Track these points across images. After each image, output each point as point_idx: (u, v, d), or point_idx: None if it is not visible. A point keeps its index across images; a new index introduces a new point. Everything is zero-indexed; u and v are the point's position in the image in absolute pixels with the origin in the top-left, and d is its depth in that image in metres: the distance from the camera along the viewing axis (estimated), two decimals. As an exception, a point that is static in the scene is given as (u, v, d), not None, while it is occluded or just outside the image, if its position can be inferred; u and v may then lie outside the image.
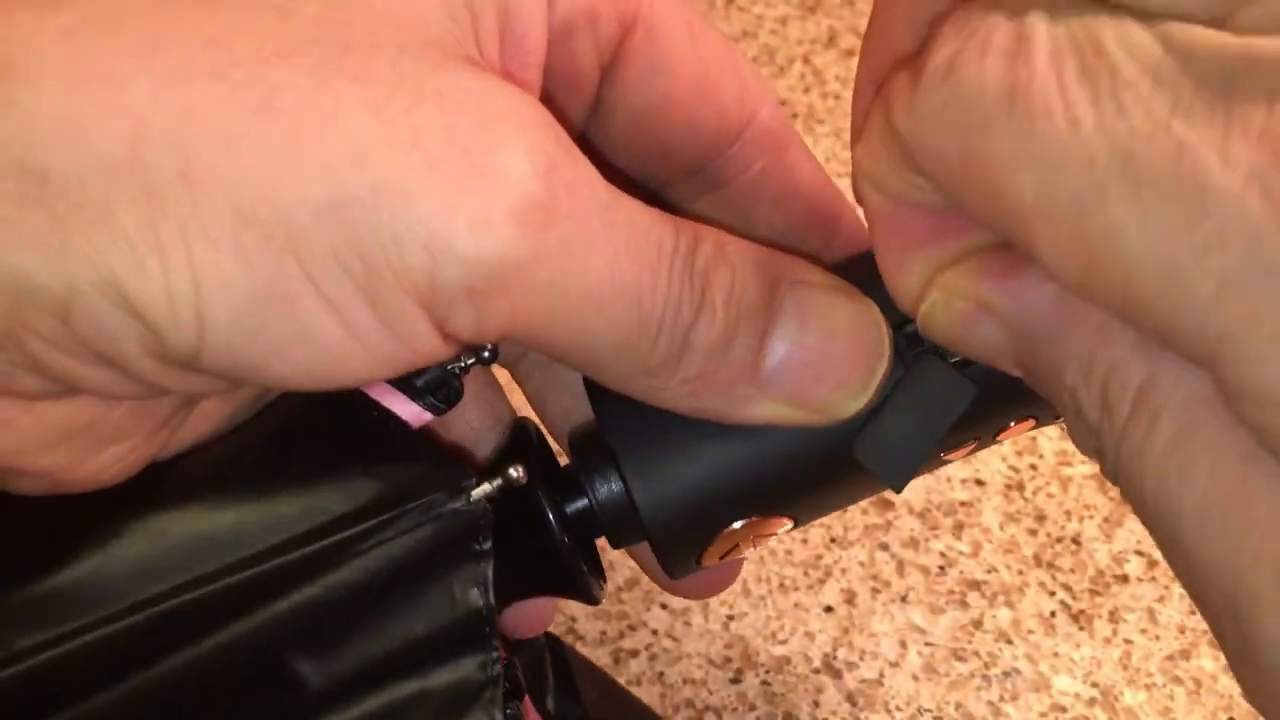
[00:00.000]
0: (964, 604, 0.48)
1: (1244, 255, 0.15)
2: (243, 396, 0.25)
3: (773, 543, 0.49)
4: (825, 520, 0.50)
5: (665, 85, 0.26)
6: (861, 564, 0.49)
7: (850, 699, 0.46)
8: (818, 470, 0.25)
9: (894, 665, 0.47)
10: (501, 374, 0.30)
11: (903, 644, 0.47)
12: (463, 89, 0.20)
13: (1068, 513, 0.51)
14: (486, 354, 0.25)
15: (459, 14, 0.22)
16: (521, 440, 0.28)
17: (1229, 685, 0.46)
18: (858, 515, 0.51)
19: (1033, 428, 0.26)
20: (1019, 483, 0.52)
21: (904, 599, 0.48)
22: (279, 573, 0.23)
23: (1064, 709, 0.46)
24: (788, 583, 0.49)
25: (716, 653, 0.47)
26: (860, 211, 0.23)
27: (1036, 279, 0.20)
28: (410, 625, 0.24)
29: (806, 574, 0.49)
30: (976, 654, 0.47)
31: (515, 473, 0.24)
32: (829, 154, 0.65)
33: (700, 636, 0.47)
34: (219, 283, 0.19)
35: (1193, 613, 0.48)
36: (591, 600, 0.28)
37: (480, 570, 0.24)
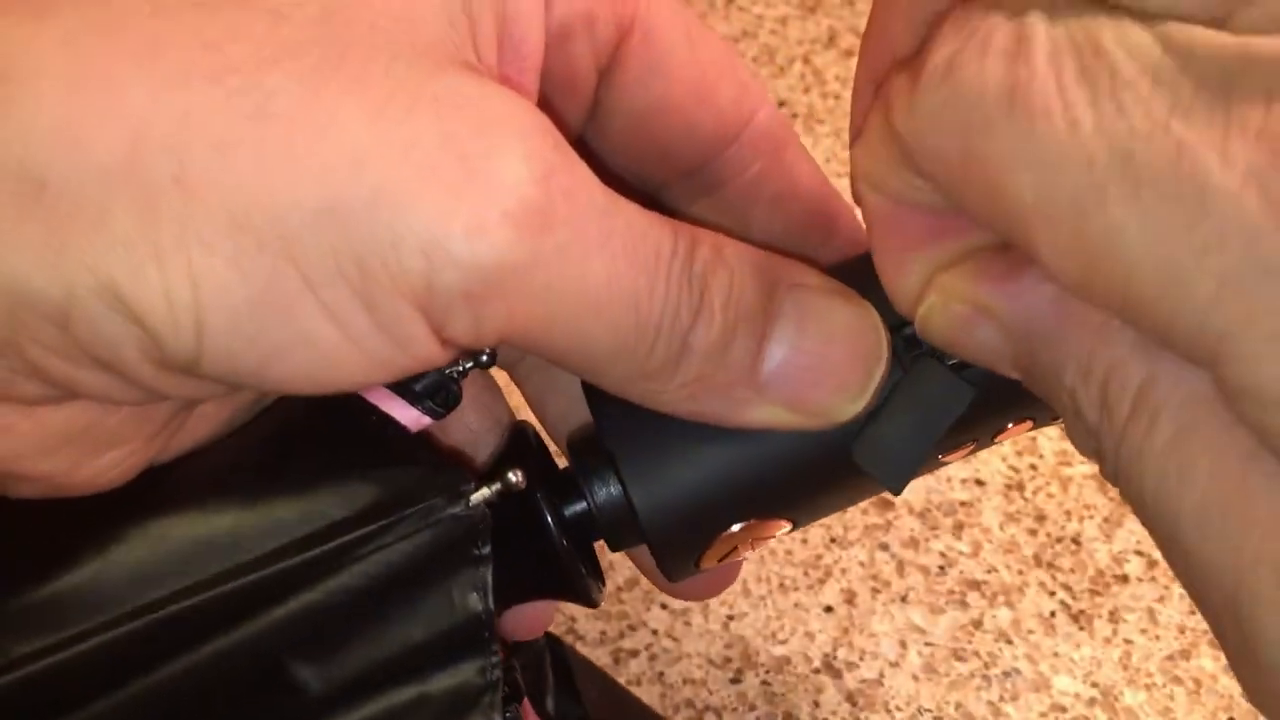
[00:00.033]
0: (964, 604, 0.48)
1: (1242, 255, 0.15)
2: (240, 400, 0.25)
3: (773, 543, 0.49)
4: (825, 520, 0.50)
5: (663, 88, 0.27)
6: (861, 564, 0.49)
7: (850, 699, 0.46)
8: (816, 473, 0.25)
9: (894, 665, 0.47)
10: (500, 375, 0.30)
11: (903, 644, 0.47)
12: (460, 94, 0.20)
13: (1068, 513, 0.51)
14: (485, 358, 0.25)
15: (456, 19, 0.22)
16: (520, 444, 0.28)
17: (1229, 685, 0.46)
18: (858, 515, 0.51)
19: (1030, 429, 0.26)
20: (1019, 483, 0.52)
21: (904, 599, 0.48)
22: (278, 578, 0.23)
23: (1064, 709, 0.46)
24: (788, 583, 0.49)
25: (716, 653, 0.47)
26: (858, 212, 0.23)
27: (1035, 280, 0.20)
28: (409, 630, 0.24)
29: (806, 574, 0.49)
30: (976, 654, 0.47)
31: (514, 478, 0.25)
32: (829, 154, 0.65)
33: (700, 636, 0.47)
34: (217, 288, 0.19)
35: (1193, 613, 0.48)
36: (590, 603, 0.28)
37: (479, 575, 0.24)
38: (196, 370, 0.20)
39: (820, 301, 0.24)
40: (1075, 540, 0.50)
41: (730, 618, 0.48)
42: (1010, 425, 0.26)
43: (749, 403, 0.24)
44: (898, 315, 0.23)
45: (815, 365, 0.24)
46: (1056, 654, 0.47)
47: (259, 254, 0.19)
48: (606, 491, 0.26)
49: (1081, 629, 0.48)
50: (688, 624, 0.47)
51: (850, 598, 0.48)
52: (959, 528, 0.50)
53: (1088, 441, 0.19)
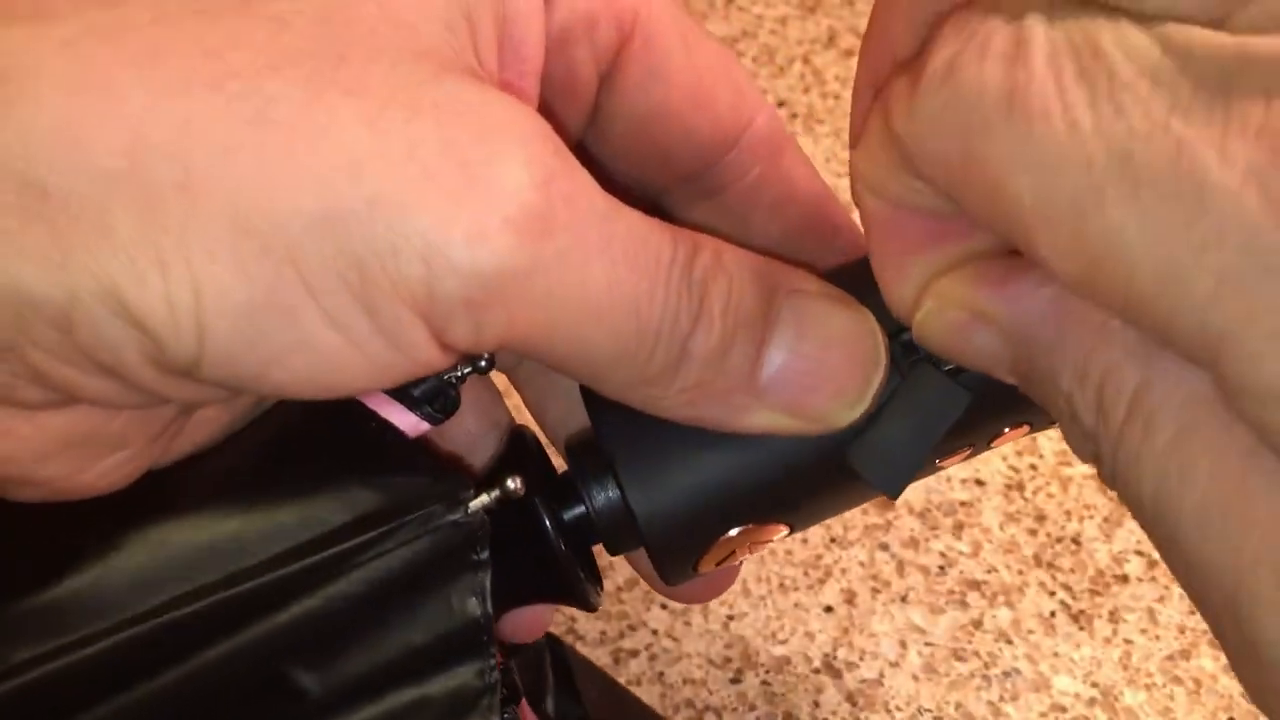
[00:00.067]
0: (964, 604, 0.48)
1: (1242, 252, 0.15)
2: (241, 404, 0.25)
3: (775, 540, 0.49)
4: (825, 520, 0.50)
5: (662, 93, 0.27)
6: (861, 564, 0.49)
7: (850, 699, 0.46)
8: (814, 478, 0.25)
9: (894, 665, 0.47)
10: (500, 379, 0.30)
11: (903, 644, 0.47)
12: (460, 100, 0.20)
13: (1068, 513, 0.51)
14: (483, 364, 0.25)
15: (456, 24, 0.22)
16: (519, 449, 0.28)
17: (1229, 685, 0.46)
18: (858, 515, 0.51)
19: (1027, 433, 0.26)
20: (1019, 483, 0.52)
21: (904, 599, 0.48)
22: (278, 585, 0.23)
23: (1064, 709, 0.46)
24: (788, 583, 0.49)
25: (716, 653, 0.47)
26: (856, 216, 0.23)
27: (1032, 285, 0.20)
28: (409, 635, 0.24)
29: (806, 574, 0.49)
30: (976, 654, 0.47)
31: (513, 484, 0.25)
32: (829, 154, 0.65)
33: (700, 636, 0.47)
34: (218, 292, 0.19)
35: (1193, 613, 0.48)
36: (589, 607, 0.28)
37: (478, 580, 0.24)
38: (197, 374, 0.20)
39: (819, 307, 0.24)
40: (1075, 540, 0.50)
41: (730, 618, 0.48)
42: (1007, 430, 0.26)
43: (748, 408, 0.24)
44: (895, 321, 0.23)
45: (814, 371, 0.24)
46: (1056, 654, 0.47)
47: (260, 259, 0.19)
48: (605, 496, 0.26)
49: (1081, 629, 0.48)
50: (688, 624, 0.47)
51: (850, 598, 0.48)
52: (959, 528, 0.50)
53: (1085, 445, 0.19)
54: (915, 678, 0.46)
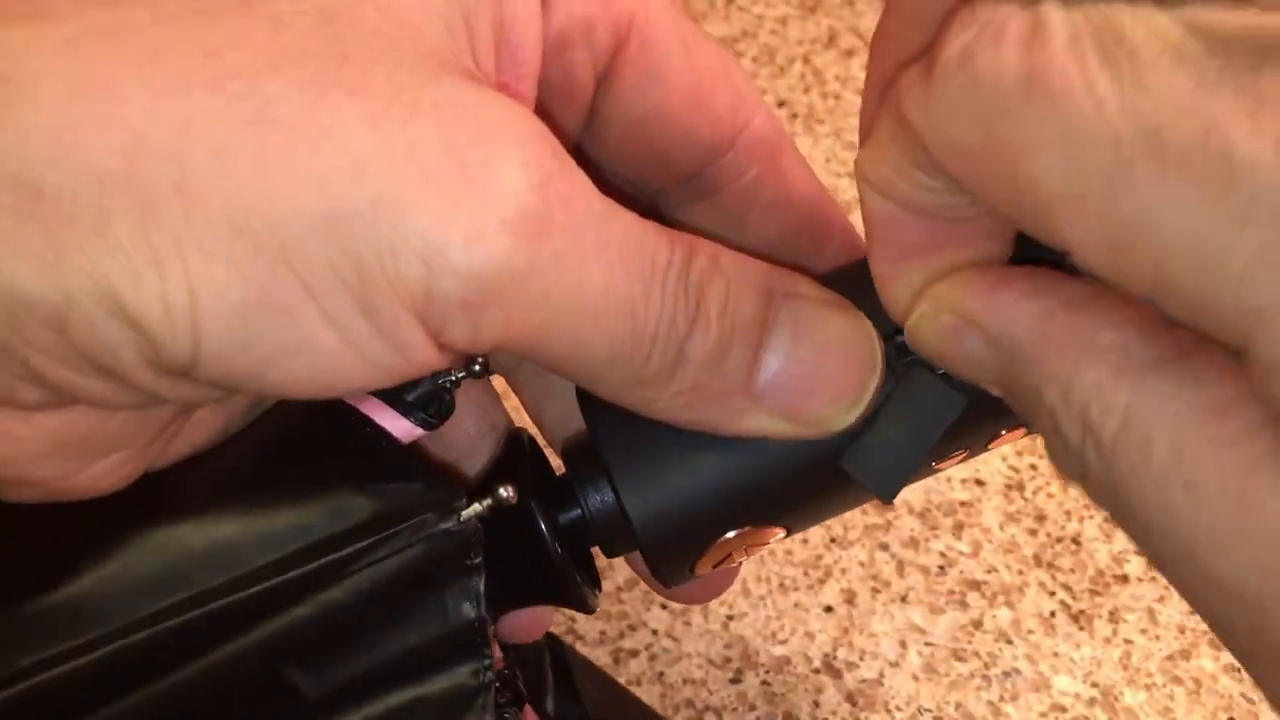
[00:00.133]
0: (964, 604, 0.48)
1: (1276, 227, 0.15)
2: (238, 405, 0.26)
3: (772, 543, 0.49)
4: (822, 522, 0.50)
5: (660, 95, 0.27)
6: (861, 564, 0.49)
7: (850, 699, 0.46)
8: (810, 481, 0.25)
9: (894, 665, 0.47)
10: (498, 381, 0.30)
11: (903, 644, 0.47)
12: (459, 102, 0.20)
13: (1068, 513, 0.51)
14: (477, 368, 0.25)
15: (455, 26, 0.22)
16: (515, 452, 0.28)
17: (1229, 685, 0.46)
18: (858, 515, 0.51)
19: (1024, 435, 0.26)
20: (1019, 483, 0.52)
21: (904, 599, 0.48)
22: (275, 592, 0.23)
23: (1064, 709, 0.46)
24: (788, 583, 0.49)
25: (716, 653, 0.47)
26: (853, 217, 0.23)
27: (1021, 295, 0.20)
28: (404, 638, 0.24)
29: (806, 574, 0.49)
30: (976, 654, 0.47)
31: (505, 492, 0.25)
32: (829, 154, 0.64)
33: (700, 636, 0.47)
34: (214, 292, 0.19)
35: (1192, 613, 0.48)
36: (586, 610, 0.28)
37: (472, 584, 0.24)
38: (194, 374, 0.20)
39: (816, 311, 0.24)
40: (1075, 540, 0.50)
41: (730, 618, 0.48)
42: (1003, 433, 0.26)
43: (744, 412, 0.24)
44: (890, 324, 0.23)
45: (810, 375, 0.24)
46: (1056, 654, 0.47)
47: (257, 259, 0.19)
48: (601, 499, 0.26)
49: (1081, 629, 0.48)
50: (688, 624, 0.47)
51: (850, 598, 0.48)
52: (959, 528, 0.50)
53: (1070, 462, 0.19)
54: (915, 678, 0.46)
